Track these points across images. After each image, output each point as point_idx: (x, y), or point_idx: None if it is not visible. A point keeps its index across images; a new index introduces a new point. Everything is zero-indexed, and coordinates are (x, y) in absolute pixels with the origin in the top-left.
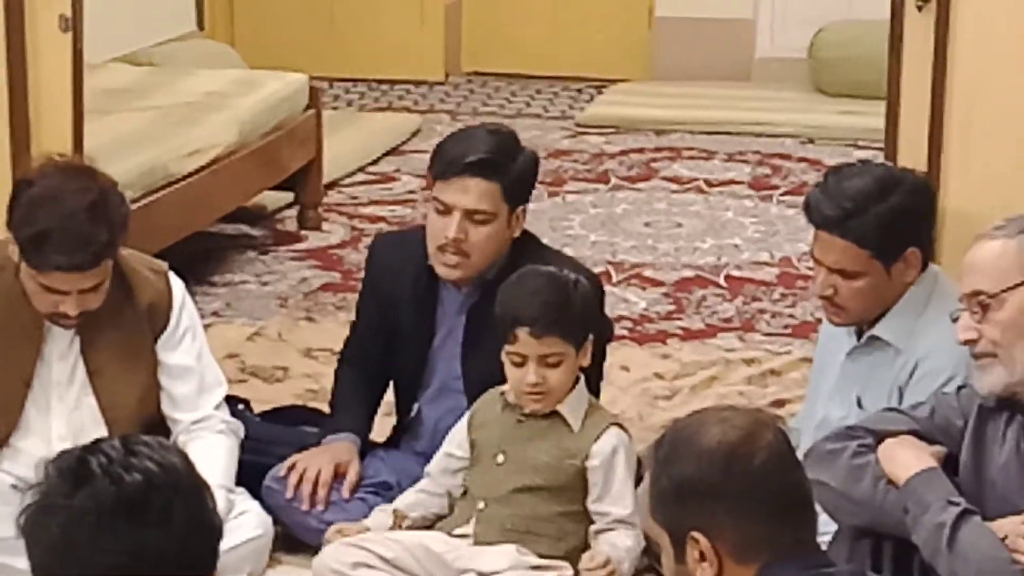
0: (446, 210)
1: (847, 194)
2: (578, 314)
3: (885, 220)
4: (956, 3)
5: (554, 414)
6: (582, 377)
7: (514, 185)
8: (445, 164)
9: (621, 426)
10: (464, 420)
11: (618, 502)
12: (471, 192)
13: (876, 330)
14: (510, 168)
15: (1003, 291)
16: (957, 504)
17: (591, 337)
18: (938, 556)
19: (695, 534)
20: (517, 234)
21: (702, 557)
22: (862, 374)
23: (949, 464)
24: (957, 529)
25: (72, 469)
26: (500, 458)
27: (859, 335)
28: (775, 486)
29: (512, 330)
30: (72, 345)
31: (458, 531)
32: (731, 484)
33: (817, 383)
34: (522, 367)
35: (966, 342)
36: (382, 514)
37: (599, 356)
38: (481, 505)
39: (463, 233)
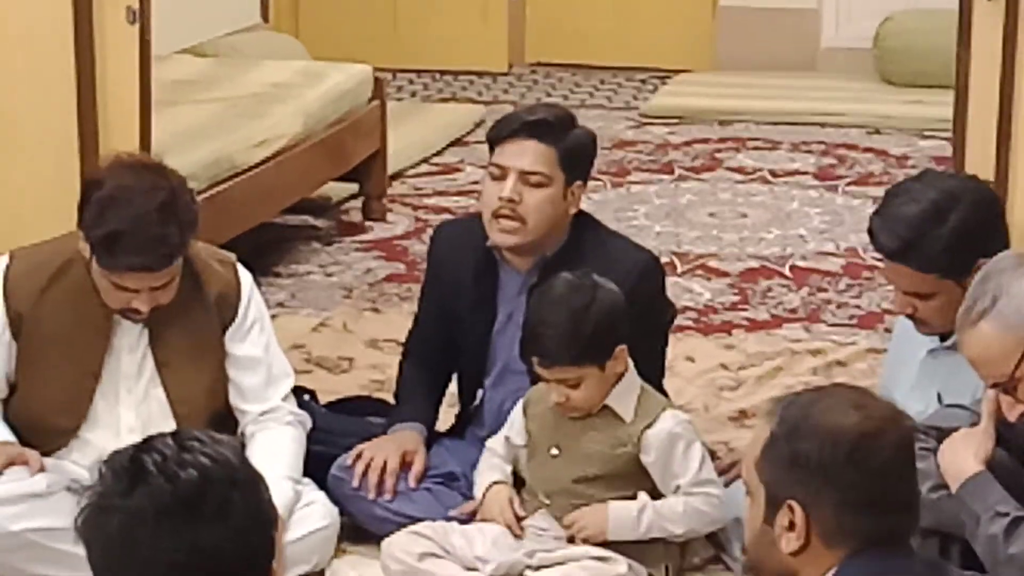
0: (502, 174)
1: (904, 221)
2: (590, 339)
3: (947, 243)
4: None
5: (604, 407)
6: (631, 366)
7: (570, 154)
8: (503, 126)
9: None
10: (519, 408)
11: (680, 475)
12: (528, 153)
13: None
14: (567, 135)
15: (1014, 372)
16: (1006, 514)
17: (622, 346)
18: (998, 567)
19: (794, 504)
20: (574, 211)
21: (791, 527)
22: (943, 373)
23: (1015, 450)
24: (1011, 539)
25: (127, 468)
26: (554, 451)
27: (941, 336)
28: (889, 486)
29: (528, 355)
30: (141, 337)
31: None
32: (848, 473)
33: (894, 375)
34: (548, 383)
35: (1019, 418)
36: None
37: (659, 341)
38: (544, 499)
39: (517, 195)
